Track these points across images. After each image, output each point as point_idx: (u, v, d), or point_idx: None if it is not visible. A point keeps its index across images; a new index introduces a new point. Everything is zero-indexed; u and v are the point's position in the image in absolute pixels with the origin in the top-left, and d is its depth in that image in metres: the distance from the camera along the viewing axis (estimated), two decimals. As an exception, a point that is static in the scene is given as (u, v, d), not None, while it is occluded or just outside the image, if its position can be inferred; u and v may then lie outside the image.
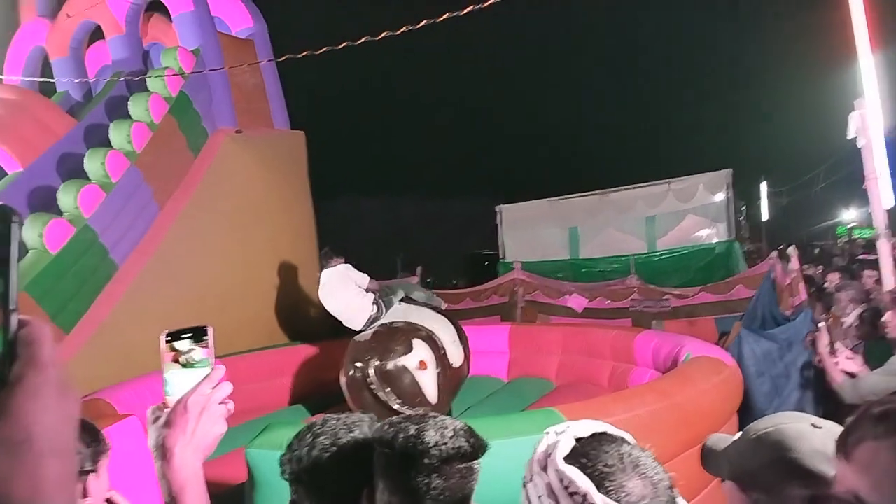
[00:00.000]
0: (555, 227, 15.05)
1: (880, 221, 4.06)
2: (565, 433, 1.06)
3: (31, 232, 6.34)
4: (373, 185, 30.70)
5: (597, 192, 14.93)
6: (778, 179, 28.09)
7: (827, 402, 5.66)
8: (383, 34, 4.37)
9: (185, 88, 7.81)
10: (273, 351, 7.50)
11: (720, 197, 13.44)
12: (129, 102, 7.50)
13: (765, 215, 26.41)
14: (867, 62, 4.02)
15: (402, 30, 4.30)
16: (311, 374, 7.31)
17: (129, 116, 7.47)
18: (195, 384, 1.08)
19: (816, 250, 21.99)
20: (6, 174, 7.62)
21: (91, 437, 1.72)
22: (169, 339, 1.10)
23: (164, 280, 7.17)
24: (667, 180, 14.01)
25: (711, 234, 13.51)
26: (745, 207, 24.97)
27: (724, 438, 1.28)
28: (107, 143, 7.28)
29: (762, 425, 1.10)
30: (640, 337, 6.63)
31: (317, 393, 6.96)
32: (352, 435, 1.50)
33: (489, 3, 4.21)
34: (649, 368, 6.28)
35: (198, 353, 1.11)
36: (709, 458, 1.30)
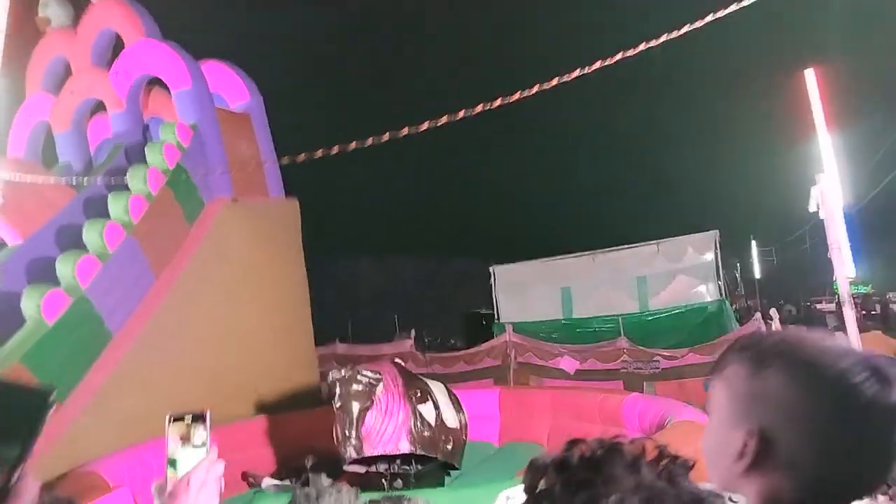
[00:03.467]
0: (548, 287, 15.17)
1: (843, 289, 4.22)
2: (517, 490, 1.21)
3: (29, 302, 6.48)
4: (370, 246, 31.00)
5: (588, 252, 15.15)
6: (767, 238, 28.49)
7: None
8: (385, 136, 4.60)
9: (183, 161, 8.09)
10: (263, 419, 7.51)
11: (709, 257, 13.64)
12: (127, 175, 7.76)
13: (758, 273, 26.64)
14: (825, 141, 4.28)
15: (402, 131, 4.55)
16: (301, 441, 7.31)
17: (127, 188, 7.72)
18: (196, 462, 1.21)
19: (793, 310, 22.07)
20: (6, 246, 7.81)
21: None
22: (174, 420, 1.24)
23: (158, 348, 7.26)
24: (656, 241, 14.25)
25: (703, 293, 13.66)
26: (738, 265, 25.26)
27: None
28: (105, 214, 7.50)
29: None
30: (627, 400, 6.71)
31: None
32: None
33: (497, 104, 4.46)
34: (636, 432, 6.33)
35: (200, 435, 1.24)
36: None
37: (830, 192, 4.15)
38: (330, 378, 5.69)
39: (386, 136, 4.56)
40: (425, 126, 4.48)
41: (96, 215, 7.63)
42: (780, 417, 0.91)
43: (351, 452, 5.42)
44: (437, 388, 6.44)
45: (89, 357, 6.81)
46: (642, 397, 7.09)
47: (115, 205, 7.37)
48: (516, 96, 4.34)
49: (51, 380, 6.34)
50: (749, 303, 23.16)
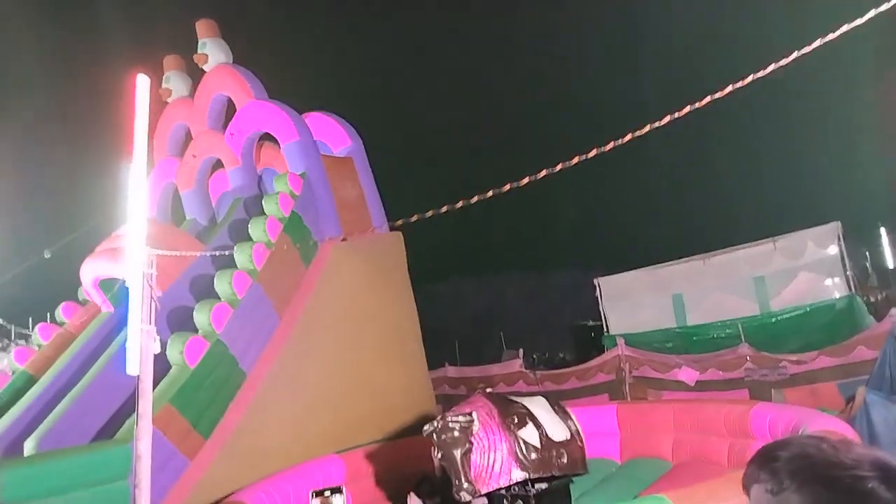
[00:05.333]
0: (657, 295, 14.72)
1: None
2: None
3: (173, 350, 7.15)
4: (472, 266, 31.36)
5: (698, 256, 14.61)
6: (896, 225, 26.12)
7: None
8: (506, 186, 4.73)
9: (296, 208, 8.68)
10: (388, 444, 7.82)
11: (832, 250, 12.76)
12: (248, 226, 8.42)
13: (891, 262, 24.47)
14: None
15: (505, 187, 4.67)
16: (419, 466, 7.54)
17: (249, 238, 8.37)
18: None
19: None
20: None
21: None
22: (315, 495, 1.46)
23: (287, 384, 7.78)
24: (771, 238, 13.53)
25: (829, 289, 12.78)
26: (868, 255, 23.33)
27: None
28: (232, 264, 8.17)
29: None
30: (755, 410, 6.44)
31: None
32: None
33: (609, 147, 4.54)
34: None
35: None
36: None
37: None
38: (424, 433, 5.70)
39: (507, 187, 4.68)
40: (543, 173, 4.57)
41: (223, 266, 8.32)
42: None
43: (466, 497, 5.46)
44: (537, 404, 6.40)
45: (227, 396, 7.40)
46: (771, 406, 6.77)
47: (241, 254, 8.01)
48: (665, 119, 4.36)
49: (196, 418, 6.96)
50: (883, 294, 21.32)
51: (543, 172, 4.53)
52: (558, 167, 4.52)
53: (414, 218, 5.05)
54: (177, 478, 6.43)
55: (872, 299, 17.71)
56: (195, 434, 6.86)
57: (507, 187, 4.61)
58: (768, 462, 1.04)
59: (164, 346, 7.41)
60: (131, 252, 3.58)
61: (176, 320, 7.98)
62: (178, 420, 6.67)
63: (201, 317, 7.42)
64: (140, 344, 3.52)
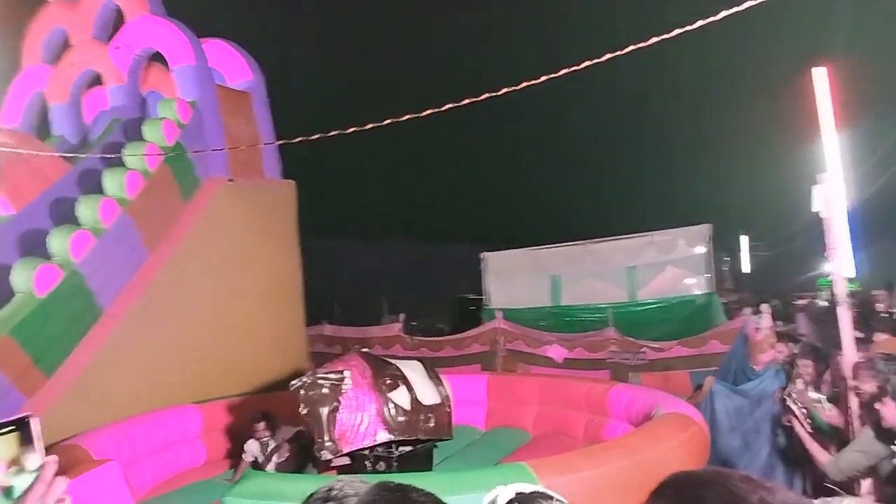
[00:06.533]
0: (537, 275, 15.29)
1: (840, 290, 4.29)
2: (508, 488, 1.27)
3: (21, 276, 6.47)
4: (360, 229, 31.08)
5: (580, 242, 15.26)
6: (757, 234, 28.74)
7: (802, 462, 5.81)
8: (388, 120, 4.59)
9: (181, 138, 8.06)
10: (252, 399, 7.55)
11: (700, 250, 13.75)
12: (124, 150, 7.73)
13: (746, 268, 26.90)
14: (830, 140, 4.33)
15: (406, 116, 4.54)
16: (289, 421, 7.37)
17: (123, 164, 7.69)
18: (28, 486, 1.02)
19: (778, 305, 22.35)
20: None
21: None
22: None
23: (148, 325, 7.28)
24: (648, 233, 14.35)
25: (692, 285, 13.78)
26: (728, 259, 25.49)
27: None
28: (99, 189, 7.48)
29: None
30: (613, 390, 6.80)
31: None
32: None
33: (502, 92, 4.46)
34: (623, 422, 6.43)
35: (30, 458, 1.05)
36: None
37: (834, 192, 4.20)
38: (291, 387, 5.50)
39: (387, 121, 4.55)
40: (427, 112, 4.47)
41: (90, 190, 7.60)
42: None
43: (327, 455, 5.38)
44: (411, 368, 6.40)
45: (79, 331, 6.81)
46: (630, 387, 7.18)
47: (112, 180, 7.35)
48: (523, 85, 4.34)
49: (40, 353, 6.36)
50: (733, 297, 23.39)
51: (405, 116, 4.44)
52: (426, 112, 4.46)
53: (298, 139, 4.83)
54: (10, 416, 5.85)
55: (726, 301, 19.38)
56: (36, 371, 6.27)
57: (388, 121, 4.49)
58: (673, 493, 0.94)
59: (9, 271, 6.70)
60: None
61: (28, 245, 7.22)
62: (17, 354, 6.07)
63: (58, 242, 6.76)
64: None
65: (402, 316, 11.61)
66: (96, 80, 9.62)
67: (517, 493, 1.27)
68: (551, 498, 1.29)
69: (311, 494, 1.49)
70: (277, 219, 9.26)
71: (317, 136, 5.49)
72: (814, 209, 4.29)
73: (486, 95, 4.64)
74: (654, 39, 3.78)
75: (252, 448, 6.17)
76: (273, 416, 6.26)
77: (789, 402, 4.59)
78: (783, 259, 28.89)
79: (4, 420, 1.04)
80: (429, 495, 1.40)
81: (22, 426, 1.05)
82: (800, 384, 5.26)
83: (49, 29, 9.87)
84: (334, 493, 1.49)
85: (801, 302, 19.08)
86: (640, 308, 13.67)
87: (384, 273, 29.99)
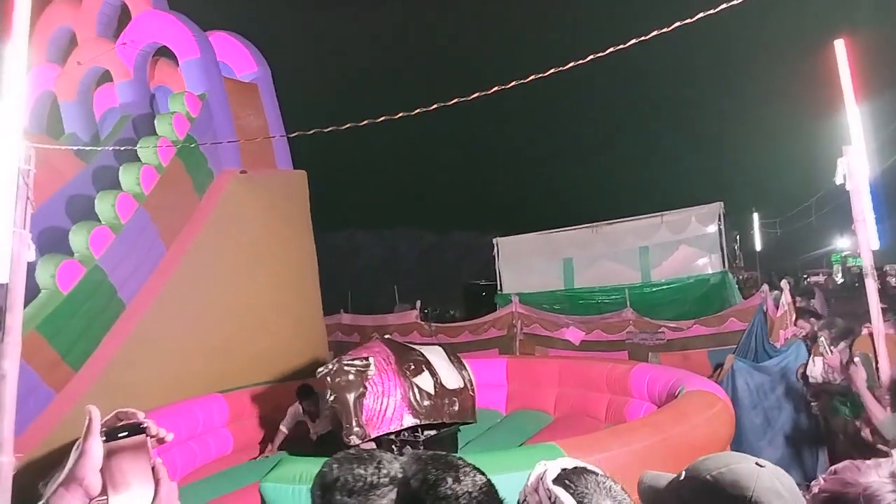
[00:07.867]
0: (549, 258, 15.28)
1: (867, 262, 4.28)
2: (554, 463, 1.29)
3: (44, 272, 6.51)
4: (372, 219, 31.11)
5: (590, 224, 15.22)
6: (769, 211, 28.62)
7: (825, 438, 5.81)
8: (399, 115, 4.57)
9: (192, 131, 8.07)
10: (275, 387, 7.63)
11: (712, 229, 13.69)
12: (137, 145, 7.75)
13: (758, 245, 26.76)
14: (853, 112, 4.29)
15: (415, 111, 4.52)
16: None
17: (137, 159, 7.71)
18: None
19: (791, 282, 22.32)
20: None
21: None
22: (105, 439, 0.96)
23: (170, 318, 7.34)
24: (660, 213, 14.30)
25: (705, 264, 13.73)
26: (738, 237, 25.36)
27: (660, 476, 1.30)
28: (115, 185, 7.51)
29: (711, 465, 1.15)
30: (635, 370, 6.81)
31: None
32: (384, 472, 1.49)
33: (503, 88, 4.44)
34: (645, 401, 6.44)
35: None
36: (649, 496, 1.29)
37: (857, 164, 4.16)
38: (318, 375, 5.59)
39: (399, 115, 4.54)
40: (434, 107, 4.46)
41: (105, 186, 7.63)
42: None
43: (355, 440, 5.43)
44: (434, 353, 6.47)
45: (103, 326, 6.88)
46: (651, 367, 7.19)
47: (127, 176, 7.38)
48: (530, 78, 4.33)
49: (67, 349, 6.43)
50: (747, 275, 23.30)
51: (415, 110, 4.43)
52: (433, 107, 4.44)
53: (312, 131, 4.83)
54: (40, 410, 5.94)
55: (738, 278, 19.32)
56: (64, 365, 6.34)
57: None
58: None
59: (31, 268, 6.75)
60: (4, 141, 3.12)
61: (47, 242, 7.27)
62: (45, 349, 6.13)
63: (79, 239, 6.79)
64: (11, 248, 3.11)
65: (418, 303, 11.64)
66: (106, 77, 9.63)
67: (562, 470, 1.30)
68: (596, 473, 1.32)
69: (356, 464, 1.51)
70: (291, 209, 9.28)
71: (330, 128, 5.48)
72: (837, 181, 4.27)
73: (496, 88, 4.63)
74: (677, 24, 3.76)
75: (293, 411, 6.44)
76: (316, 391, 6.41)
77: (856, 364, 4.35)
78: (794, 236, 28.73)
79: (122, 424, 0.99)
80: (470, 464, 1.43)
81: (136, 431, 0.98)
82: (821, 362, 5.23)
83: (54, 27, 9.87)
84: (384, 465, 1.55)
85: (816, 279, 19.03)
86: (654, 288, 13.65)
87: (395, 262, 30.07)
